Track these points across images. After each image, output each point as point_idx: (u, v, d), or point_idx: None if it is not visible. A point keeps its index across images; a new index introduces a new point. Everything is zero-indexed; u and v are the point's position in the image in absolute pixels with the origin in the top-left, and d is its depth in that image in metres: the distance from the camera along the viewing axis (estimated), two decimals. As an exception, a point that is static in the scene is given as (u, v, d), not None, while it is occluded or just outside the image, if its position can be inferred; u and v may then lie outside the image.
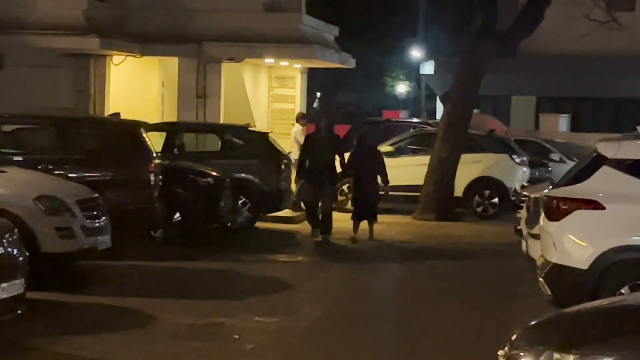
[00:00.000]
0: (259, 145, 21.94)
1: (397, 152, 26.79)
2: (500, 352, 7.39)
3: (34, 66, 24.23)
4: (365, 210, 21.06)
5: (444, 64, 38.02)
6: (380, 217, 24.62)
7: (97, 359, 10.74)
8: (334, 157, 20.52)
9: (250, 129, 23.23)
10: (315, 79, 37.35)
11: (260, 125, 27.79)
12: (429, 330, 12.92)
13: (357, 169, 20.96)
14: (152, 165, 17.50)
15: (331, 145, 20.47)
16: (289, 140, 26.89)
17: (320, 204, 20.47)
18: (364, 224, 21.14)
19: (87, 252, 14.84)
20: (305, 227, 21.50)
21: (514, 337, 7.44)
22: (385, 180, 21.25)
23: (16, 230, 11.35)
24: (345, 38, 33.60)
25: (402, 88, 63.34)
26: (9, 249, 10.84)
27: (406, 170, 25.33)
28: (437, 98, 37.02)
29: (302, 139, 25.72)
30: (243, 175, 20.81)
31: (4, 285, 10.57)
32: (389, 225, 24.03)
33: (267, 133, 23.32)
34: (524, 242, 15.83)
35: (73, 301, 13.52)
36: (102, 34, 24.55)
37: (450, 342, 12.20)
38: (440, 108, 33.74)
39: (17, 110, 19.83)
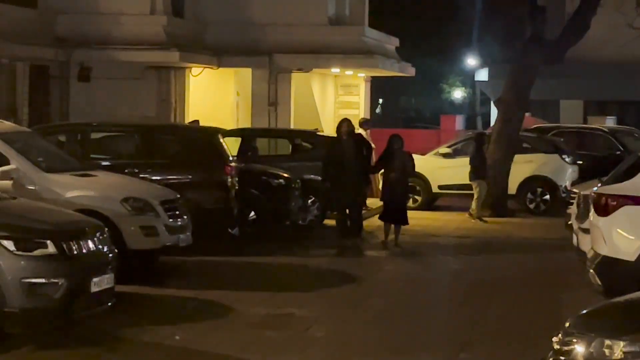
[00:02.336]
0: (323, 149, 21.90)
1: (454, 153, 26.68)
2: (555, 339, 7.31)
3: (119, 78, 24.42)
4: (394, 213, 19.37)
5: (497, 70, 37.75)
6: (438, 214, 24.59)
7: (180, 347, 10.79)
8: (360, 160, 18.80)
9: (318, 133, 23.23)
10: (377, 86, 37.24)
11: (327, 130, 27.77)
12: (485, 319, 12.84)
13: (386, 172, 19.41)
14: (229, 168, 17.55)
15: (355, 149, 18.76)
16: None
17: (348, 211, 18.80)
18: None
19: (170, 248, 14.92)
20: (369, 223, 21.43)
21: (567, 325, 7.37)
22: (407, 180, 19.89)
23: (106, 229, 11.43)
24: (405, 48, 33.50)
25: (458, 94, 63.03)
26: (99, 247, 10.90)
27: (462, 170, 25.19)
28: (491, 103, 36.73)
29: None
30: (312, 176, 20.78)
31: (95, 279, 10.65)
32: (446, 222, 23.94)
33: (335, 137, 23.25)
34: (574, 236, 15.67)
35: (158, 294, 13.60)
36: (182, 47, 24.69)
37: (506, 330, 12.11)
38: (494, 112, 33.48)
39: (105, 119, 20.00)
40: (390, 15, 44.52)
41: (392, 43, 31.12)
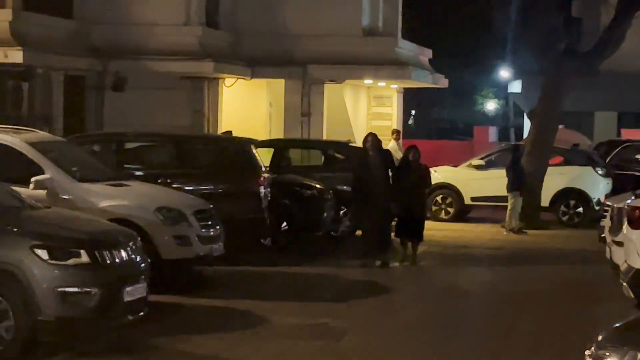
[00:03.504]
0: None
1: (487, 165, 26.61)
2: (587, 352, 7.29)
3: (153, 89, 24.53)
4: (410, 230, 18.40)
5: (530, 82, 37.63)
6: (471, 226, 24.53)
7: (213, 356, 10.81)
8: (386, 175, 17.84)
9: (350, 144, 23.24)
10: (410, 98, 37.23)
11: (359, 142, 27.77)
12: (517, 330, 12.80)
13: (402, 185, 18.03)
14: (261, 178, 17.57)
15: (382, 164, 17.82)
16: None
17: (379, 228, 17.79)
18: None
19: (203, 258, 14.93)
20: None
21: (599, 338, 7.34)
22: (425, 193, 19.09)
23: (139, 238, 11.48)
24: (439, 59, 33.48)
25: (491, 105, 62.86)
26: (133, 256, 10.96)
27: (496, 182, 25.12)
28: (525, 115, 36.63)
29: (397, 154, 25.70)
30: (344, 187, 20.78)
31: (128, 288, 10.70)
32: (479, 234, 23.87)
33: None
34: (607, 249, 15.60)
35: (191, 303, 13.63)
36: (216, 58, 24.79)
37: (538, 342, 12.07)
38: (527, 124, 33.38)
39: (139, 129, 20.09)
40: (424, 27, 44.49)
41: (425, 54, 31.11)
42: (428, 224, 24.87)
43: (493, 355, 11.36)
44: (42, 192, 13.65)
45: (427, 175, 18.97)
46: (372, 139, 17.99)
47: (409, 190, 18.00)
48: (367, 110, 31.60)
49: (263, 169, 17.92)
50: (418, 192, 18.38)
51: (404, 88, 31.84)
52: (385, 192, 17.65)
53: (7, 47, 20.84)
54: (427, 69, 30.62)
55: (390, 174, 17.98)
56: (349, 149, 22.46)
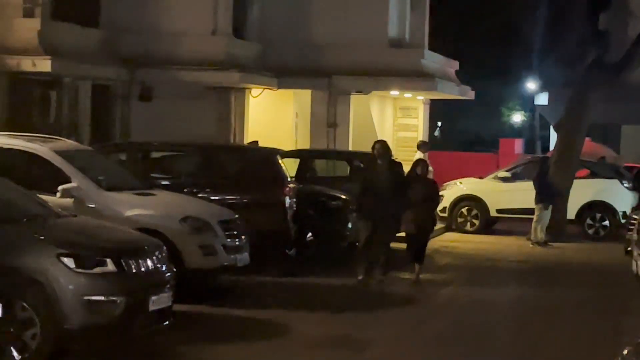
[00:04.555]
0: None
1: (513, 177, 26.56)
2: (613, 366, 7.26)
3: (180, 98, 24.60)
4: (415, 250, 17.39)
5: (557, 95, 37.52)
6: (496, 238, 24.47)
7: (237, 366, 10.84)
8: (394, 187, 16.52)
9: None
10: (436, 109, 37.20)
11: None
12: (543, 344, 12.74)
13: (410, 201, 16.86)
14: (287, 189, 17.59)
15: (390, 176, 16.59)
16: (412, 166, 26.79)
17: (378, 243, 16.71)
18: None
19: (228, 268, 14.95)
20: (429, 246, 21.34)
21: (625, 352, 7.30)
22: (434, 211, 17.88)
23: (164, 248, 11.50)
24: (465, 71, 33.44)
25: (517, 118, 62.74)
26: (158, 265, 10.97)
27: (521, 194, 25.09)
28: (551, 127, 36.52)
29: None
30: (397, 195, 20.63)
31: (154, 298, 10.72)
32: (505, 246, 23.81)
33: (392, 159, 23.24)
34: (634, 263, 15.54)
35: (216, 313, 13.66)
36: (242, 69, 24.84)
37: (564, 356, 12.02)
38: (553, 137, 33.28)
39: (165, 138, 20.15)
40: (451, 38, 44.46)
41: (452, 66, 31.10)
42: (453, 235, 25.00)
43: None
44: (68, 201, 13.71)
45: (437, 192, 18.28)
46: (380, 147, 16.87)
47: (417, 207, 16.89)
48: (393, 121, 31.60)
49: (288, 179, 17.94)
50: (426, 208, 17.27)
51: (430, 99, 31.82)
52: (391, 205, 16.46)
53: (35, 56, 20.95)
54: (453, 80, 30.59)
55: (398, 186, 16.68)
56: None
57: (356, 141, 27.84)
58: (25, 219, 11.10)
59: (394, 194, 16.48)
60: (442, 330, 13.59)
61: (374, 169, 16.92)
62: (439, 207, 26.40)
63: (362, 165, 22.25)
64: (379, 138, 29.64)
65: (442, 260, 20.91)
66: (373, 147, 17.07)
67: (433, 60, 28.96)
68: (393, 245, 17.53)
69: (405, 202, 16.74)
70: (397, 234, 17.88)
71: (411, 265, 17.42)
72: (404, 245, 17.84)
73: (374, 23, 27.61)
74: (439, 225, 25.62)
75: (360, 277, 16.74)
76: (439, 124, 57.73)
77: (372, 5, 27.67)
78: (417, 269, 17.39)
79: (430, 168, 26.28)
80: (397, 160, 17.86)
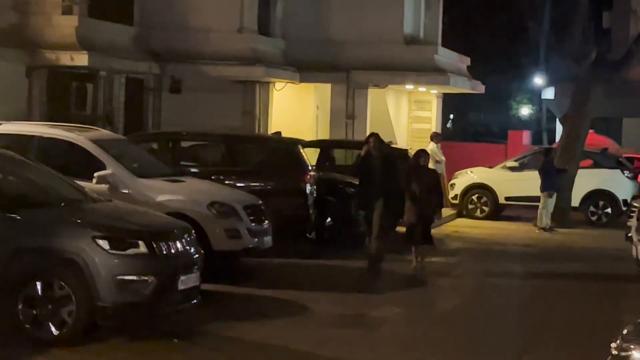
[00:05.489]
0: (400, 160, 21.83)
1: (521, 167, 26.51)
2: (613, 345, 7.26)
3: (208, 91, 24.61)
4: (421, 234, 16.65)
5: (563, 89, 37.40)
6: (504, 224, 24.44)
7: (259, 342, 10.84)
8: (390, 179, 16.05)
9: (392, 146, 23.18)
10: (449, 102, 37.10)
11: (400, 143, 27.77)
12: (547, 324, 12.73)
13: (412, 190, 16.42)
14: (308, 176, 17.61)
15: (385, 167, 16.05)
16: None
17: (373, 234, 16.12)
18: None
19: (252, 250, 14.99)
20: (438, 231, 21.33)
21: (625, 332, 7.31)
22: (440, 202, 17.02)
23: (193, 231, 11.53)
24: (476, 67, 33.33)
25: (525, 111, 62.51)
26: (187, 247, 11.01)
27: (529, 183, 25.03)
28: (557, 120, 36.39)
29: (437, 156, 25.65)
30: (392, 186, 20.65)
31: (182, 277, 10.76)
32: (512, 232, 23.77)
33: (407, 150, 23.26)
34: (634, 248, 15.50)
35: (239, 292, 13.69)
36: (267, 63, 24.85)
37: (567, 335, 12.01)
38: (559, 129, 33.17)
39: (194, 129, 20.18)
40: (463, 36, 44.34)
41: (463, 62, 31.01)
42: (464, 221, 24.98)
43: (524, 347, 11.32)
44: (104, 187, 13.75)
45: (439, 181, 17.73)
46: (374, 140, 16.38)
47: (420, 196, 16.36)
48: (408, 113, 31.54)
49: (309, 167, 17.95)
50: (430, 197, 16.49)
51: (443, 93, 31.75)
52: (386, 196, 15.97)
53: (73, 51, 21.01)
54: (465, 75, 30.50)
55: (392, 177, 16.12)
56: (392, 151, 22.39)
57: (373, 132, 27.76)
58: (63, 204, 11.17)
59: (388, 185, 16.00)
60: (452, 310, 13.60)
61: (369, 161, 16.30)
62: (451, 195, 26.46)
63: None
64: (394, 129, 29.75)
65: (452, 244, 20.90)
66: (367, 141, 16.76)
67: (446, 56, 28.88)
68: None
69: (399, 193, 16.28)
70: (395, 226, 17.81)
71: (414, 251, 16.81)
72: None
73: (390, 21, 27.54)
74: (450, 211, 25.66)
75: (414, 264, 16.56)
76: (451, 116, 57.59)
77: (389, 4, 27.59)
78: (421, 252, 16.78)
79: (443, 158, 26.35)
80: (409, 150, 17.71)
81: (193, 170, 17.19)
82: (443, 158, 26.31)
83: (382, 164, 16.12)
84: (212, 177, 16.73)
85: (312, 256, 17.23)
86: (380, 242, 16.16)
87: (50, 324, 10.06)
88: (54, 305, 10.07)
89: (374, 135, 16.79)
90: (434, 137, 26.90)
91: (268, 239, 15.12)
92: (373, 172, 16.09)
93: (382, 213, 16.05)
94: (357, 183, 16.88)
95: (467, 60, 31.27)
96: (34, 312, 10.07)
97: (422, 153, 17.10)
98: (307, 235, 18.17)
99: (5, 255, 10.12)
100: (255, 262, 15.82)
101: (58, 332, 10.06)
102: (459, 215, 26.27)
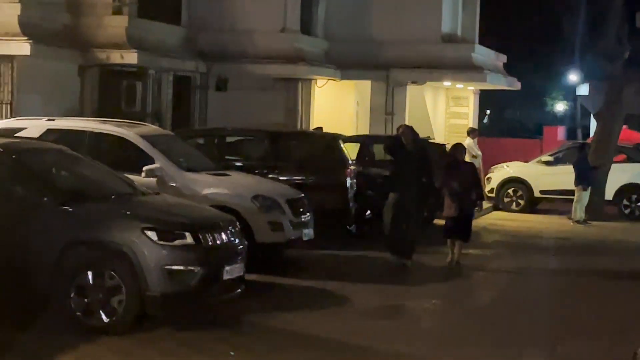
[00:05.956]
0: (437, 155, 21.74)
1: (556, 162, 26.34)
2: (639, 351, 7.14)
3: (252, 89, 24.67)
4: (459, 229, 16.26)
5: (597, 86, 37.12)
6: (539, 217, 24.27)
7: (300, 332, 10.84)
8: (423, 173, 15.79)
9: (430, 141, 23.12)
10: (485, 98, 36.89)
11: (438, 138, 27.67)
12: (580, 316, 12.63)
13: (450, 185, 16.13)
14: (348, 170, 17.60)
15: (418, 161, 15.73)
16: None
17: (405, 226, 15.77)
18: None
19: (294, 242, 15.01)
20: (476, 223, 21.20)
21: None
22: (480, 195, 16.76)
23: (237, 223, 11.56)
24: (512, 64, 33.13)
25: (560, 107, 62.07)
26: (231, 239, 11.05)
27: (563, 177, 24.87)
28: (591, 116, 36.11)
29: (473, 151, 25.55)
30: (424, 180, 20.63)
31: (227, 268, 10.80)
32: (547, 225, 23.62)
33: (444, 145, 23.17)
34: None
35: (282, 283, 13.70)
36: (309, 61, 24.86)
37: (599, 327, 11.91)
38: (593, 125, 32.90)
39: (238, 125, 20.23)
40: (500, 34, 44.09)
41: (500, 59, 30.86)
42: (500, 214, 24.87)
43: (557, 339, 11.25)
44: (152, 180, 13.83)
45: (477, 174, 17.32)
46: (405, 131, 15.96)
47: (459, 191, 16.02)
48: (445, 109, 31.44)
49: (349, 162, 17.93)
50: (469, 191, 16.18)
51: (480, 89, 31.60)
52: (419, 189, 15.72)
53: (123, 50, 21.14)
54: (501, 72, 30.35)
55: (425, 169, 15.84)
56: (428, 145, 22.31)
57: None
58: (113, 197, 11.24)
59: (421, 178, 15.76)
60: (488, 302, 13.54)
61: (402, 154, 15.85)
62: (487, 188, 26.34)
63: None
64: (432, 125, 29.66)
65: (489, 237, 20.80)
66: (397, 132, 16.29)
67: (482, 54, 28.75)
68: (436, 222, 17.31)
69: (431, 185, 16.04)
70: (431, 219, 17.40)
71: (450, 245, 16.47)
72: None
73: (429, 20, 27.47)
74: (486, 205, 25.52)
75: (449, 257, 16.28)
76: (488, 112, 57.29)
77: (427, 3, 27.52)
78: (459, 245, 16.39)
79: (479, 152, 26.24)
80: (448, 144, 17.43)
81: (237, 164, 17.24)
82: (479, 153, 26.21)
83: (415, 158, 15.76)
84: (256, 172, 16.75)
85: (352, 248, 17.20)
86: (413, 232, 15.96)
87: (100, 312, 10.13)
88: (105, 294, 10.15)
89: (405, 126, 16.46)
90: (471, 132, 26.79)
91: (310, 232, 15.11)
92: (406, 166, 15.74)
93: (415, 203, 15.82)
94: (391, 174, 16.36)
95: (503, 58, 31.12)
96: (86, 301, 10.14)
97: (459, 147, 16.85)
98: (348, 228, 18.15)
99: (58, 247, 10.21)
100: (298, 253, 15.84)
101: (108, 320, 10.13)
102: (495, 208, 26.16)
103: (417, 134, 16.26)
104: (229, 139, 18.90)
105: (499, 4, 45.83)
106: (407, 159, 15.71)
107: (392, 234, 15.85)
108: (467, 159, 23.96)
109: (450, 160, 16.57)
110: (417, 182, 15.70)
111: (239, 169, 16.65)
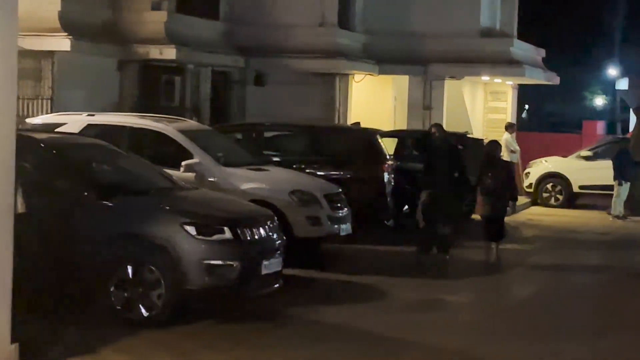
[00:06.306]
0: (475, 150, 21.66)
1: (595, 156, 26.15)
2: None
3: (290, 83, 24.66)
4: (492, 229, 16.18)
5: (636, 80, 36.84)
6: (578, 212, 24.11)
7: (340, 326, 10.84)
8: (454, 170, 15.75)
9: (468, 136, 23.02)
10: (524, 93, 36.69)
11: (476, 133, 27.55)
12: (620, 311, 12.53)
13: (485, 183, 15.99)
14: (385, 165, 17.56)
15: (449, 158, 15.77)
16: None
17: (436, 222, 15.80)
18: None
19: (332, 237, 15.00)
20: (513, 218, 21.12)
21: None
22: (514, 196, 16.36)
23: (275, 218, 11.58)
24: (551, 58, 32.90)
25: (599, 101, 61.67)
26: (270, 234, 11.07)
27: (602, 172, 24.68)
28: (631, 110, 35.80)
29: (512, 146, 25.42)
30: (456, 175, 20.48)
31: (266, 262, 10.82)
32: (587, 220, 23.47)
33: (482, 139, 23.08)
34: None
35: (320, 277, 13.71)
36: (347, 56, 24.84)
37: (637, 325, 11.80)
38: (633, 119, 32.63)
39: (276, 120, 20.25)
40: (539, 28, 43.84)
41: (539, 54, 30.65)
42: (539, 209, 24.71)
43: (599, 332, 11.17)
44: (191, 175, 13.87)
45: (512, 174, 17.04)
46: (436, 130, 16.07)
47: (494, 189, 15.88)
48: (483, 104, 31.29)
49: (387, 157, 17.89)
50: (503, 190, 15.97)
51: (519, 84, 31.43)
52: (450, 185, 15.67)
53: (162, 45, 21.22)
54: (540, 67, 30.15)
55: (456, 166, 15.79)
56: (466, 140, 22.26)
57: (449, 123, 27.59)
58: (153, 191, 11.29)
59: (452, 173, 15.73)
60: (528, 296, 13.47)
61: (433, 150, 16.02)
62: (526, 183, 26.21)
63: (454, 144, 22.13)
64: (470, 120, 29.53)
65: (528, 232, 20.69)
66: (430, 130, 16.45)
67: (521, 48, 28.57)
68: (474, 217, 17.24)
69: (465, 180, 15.97)
70: (460, 214, 17.34)
71: (487, 244, 16.39)
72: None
73: (467, 14, 27.32)
74: (525, 200, 25.40)
75: (488, 254, 16.18)
76: (527, 106, 57.01)
77: (466, -3, 27.44)
78: (495, 247, 16.28)
79: (517, 147, 26.10)
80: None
81: (275, 159, 17.25)
82: (518, 148, 26.07)
83: (446, 155, 15.80)
84: (294, 166, 16.75)
85: (390, 243, 17.17)
86: (447, 228, 15.90)
87: (140, 306, 10.19)
88: (144, 288, 10.20)
89: (436, 125, 16.59)
90: (509, 127, 26.64)
91: (348, 226, 15.08)
92: (437, 162, 15.76)
93: (447, 199, 15.75)
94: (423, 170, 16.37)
95: (542, 52, 30.90)
96: (125, 294, 10.21)
97: (494, 144, 16.73)
98: (385, 222, 18.11)
99: (99, 241, 10.28)
100: (336, 248, 15.83)
101: (148, 314, 10.19)
102: (534, 203, 26.02)
103: (447, 132, 16.30)
104: (267, 134, 18.91)
105: (538, -2, 45.60)
106: (437, 155, 15.81)
107: (422, 230, 15.92)
108: (506, 154, 23.96)
109: (485, 157, 16.43)
110: (448, 179, 15.69)
111: (277, 163, 16.64)
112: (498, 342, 10.53)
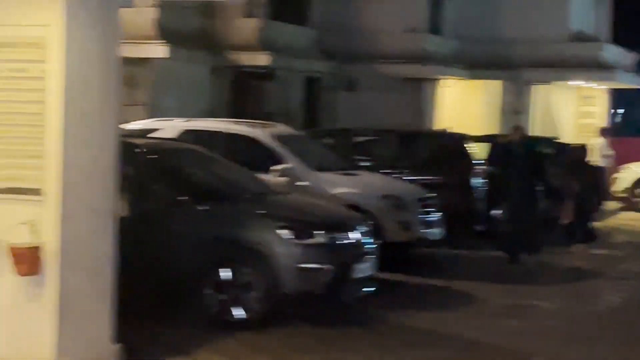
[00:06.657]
0: (564, 155, 21.41)
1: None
2: None
3: (381, 89, 24.75)
4: (580, 232, 16.08)
5: None
6: (629, 215, 23.67)
7: (432, 330, 10.84)
8: (533, 174, 15.65)
9: (556, 141, 22.80)
10: (618, 97, 36.11)
11: (567, 138, 27.26)
12: None
13: (571, 187, 15.98)
14: (473, 170, 17.49)
15: (527, 161, 15.63)
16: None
17: (519, 226, 15.70)
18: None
19: (424, 241, 15.01)
20: (604, 224, 20.83)
21: None
22: (599, 202, 16.18)
23: (367, 222, 11.64)
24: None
25: (693, 105, 60.36)
26: (362, 238, 11.14)
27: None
28: None
29: (605, 151, 25.07)
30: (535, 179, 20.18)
31: (358, 266, 10.90)
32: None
33: (569, 144, 22.79)
34: None
35: (412, 282, 13.73)
36: (437, 62, 24.83)
37: None
38: None
39: (367, 125, 20.33)
40: (631, 31, 43.11)
41: (631, 58, 30.25)
42: (631, 215, 24.32)
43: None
44: (283, 180, 14.02)
45: (599, 179, 16.71)
46: (518, 133, 16.03)
47: (579, 193, 15.76)
48: (574, 109, 30.96)
49: (474, 162, 17.81)
50: (589, 195, 15.87)
51: (610, 88, 31.03)
52: (530, 190, 15.59)
53: (254, 51, 21.47)
54: (632, 71, 29.74)
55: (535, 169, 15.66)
56: (555, 145, 22.05)
57: (539, 128, 27.41)
58: (248, 196, 11.45)
59: (532, 180, 15.63)
60: (620, 303, 13.30)
61: (509, 154, 15.91)
62: (615, 189, 25.83)
63: (544, 149, 21.92)
64: (560, 125, 29.23)
65: (618, 237, 20.40)
66: (510, 132, 16.36)
67: (612, 53, 28.24)
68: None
69: (547, 184, 15.81)
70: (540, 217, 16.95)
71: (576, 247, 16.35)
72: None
73: (556, 19, 27.15)
74: (616, 205, 25.03)
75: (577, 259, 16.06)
76: (620, 111, 56.07)
77: (555, 1, 27.20)
78: (584, 249, 16.30)
79: (611, 152, 25.74)
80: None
81: (366, 164, 17.31)
82: (611, 152, 25.71)
83: (523, 159, 15.66)
84: (384, 171, 16.81)
85: (481, 248, 17.09)
86: (530, 231, 15.78)
87: (235, 308, 10.33)
88: (239, 291, 10.33)
89: (515, 127, 16.48)
90: (603, 131, 26.32)
91: (439, 231, 15.10)
92: (514, 166, 15.63)
93: (527, 203, 15.62)
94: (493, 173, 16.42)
95: (634, 56, 30.50)
96: (220, 297, 10.35)
97: (579, 149, 16.54)
98: (476, 227, 18.02)
99: (195, 244, 10.46)
100: (427, 252, 15.82)
101: (242, 316, 10.31)
102: (625, 209, 25.64)
103: (526, 135, 16.17)
104: (358, 139, 19.00)
105: (635, 0, 44.81)
106: (512, 160, 15.70)
107: (506, 234, 15.88)
108: (599, 158, 23.64)
109: (572, 162, 16.26)
110: (526, 183, 15.58)
111: (367, 168, 16.70)
112: (588, 347, 10.43)
